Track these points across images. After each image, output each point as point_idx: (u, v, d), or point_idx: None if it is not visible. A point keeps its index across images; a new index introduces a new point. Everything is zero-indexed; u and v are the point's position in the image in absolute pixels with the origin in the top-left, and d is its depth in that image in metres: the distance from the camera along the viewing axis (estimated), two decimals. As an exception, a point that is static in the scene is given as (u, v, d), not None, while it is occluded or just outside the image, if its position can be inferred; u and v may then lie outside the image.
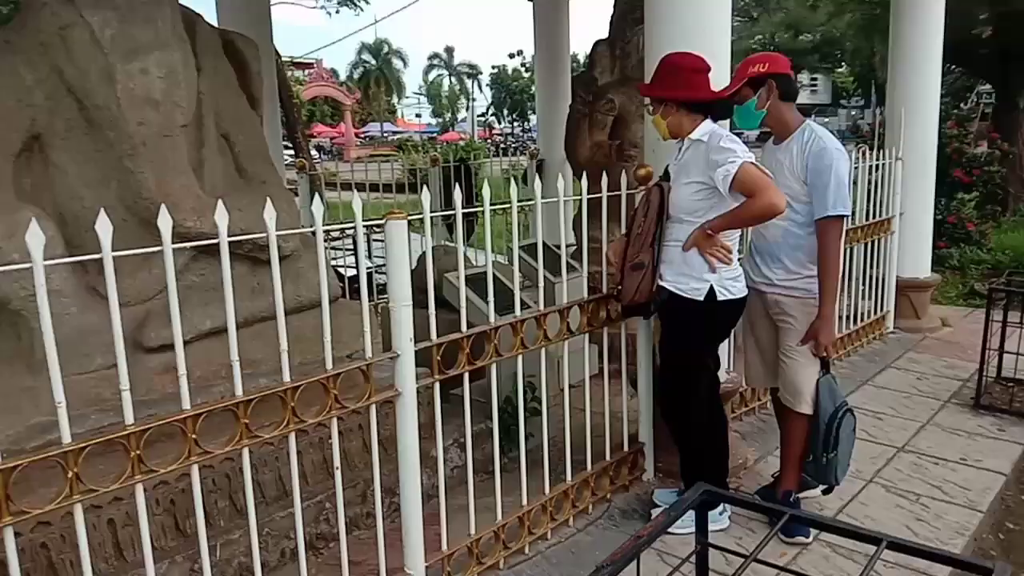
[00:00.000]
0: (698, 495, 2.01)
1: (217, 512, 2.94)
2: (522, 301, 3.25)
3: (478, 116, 63.76)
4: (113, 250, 1.86)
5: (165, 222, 1.94)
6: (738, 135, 3.41)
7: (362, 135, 58.66)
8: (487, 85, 68.26)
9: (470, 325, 2.81)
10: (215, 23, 6.07)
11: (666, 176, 3.15)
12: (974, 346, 4.99)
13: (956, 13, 9.37)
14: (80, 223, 2.98)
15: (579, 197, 3.26)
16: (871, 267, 6.02)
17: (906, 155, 6.07)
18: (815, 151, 3.12)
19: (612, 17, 5.92)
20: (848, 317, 5.73)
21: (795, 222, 3.21)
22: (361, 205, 2.39)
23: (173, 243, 1.99)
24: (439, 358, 2.63)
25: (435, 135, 54.68)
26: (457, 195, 2.78)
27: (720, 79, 3.33)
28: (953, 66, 10.67)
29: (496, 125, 64.26)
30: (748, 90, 3.24)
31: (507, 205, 3.00)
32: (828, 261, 3.13)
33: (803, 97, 58.98)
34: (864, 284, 5.94)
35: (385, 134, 58.88)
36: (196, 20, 3.44)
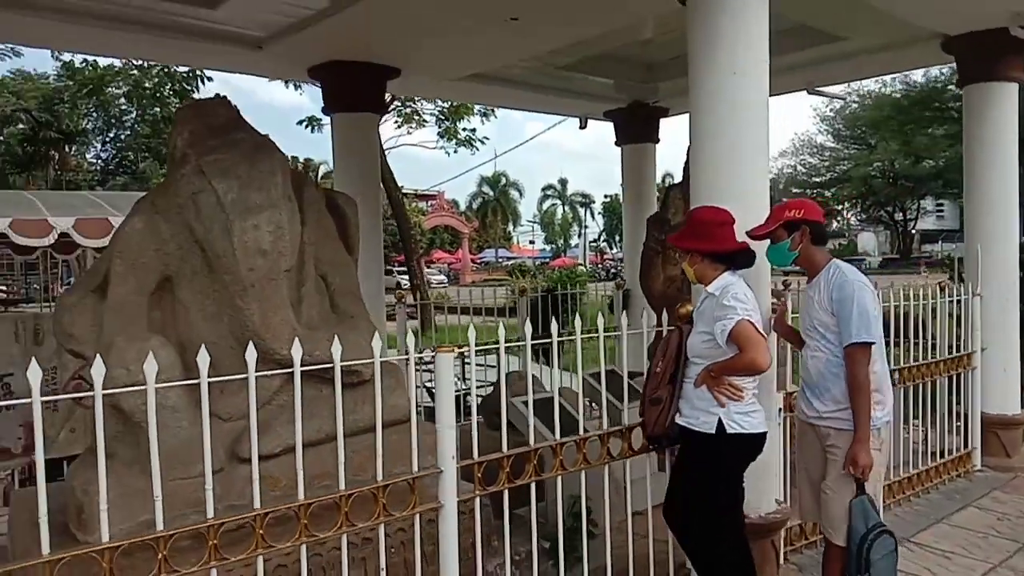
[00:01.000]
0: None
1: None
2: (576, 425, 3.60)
3: (590, 242, 65.25)
4: (222, 374, 2.38)
5: (251, 355, 2.46)
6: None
7: (478, 260, 61.10)
8: (599, 213, 70.00)
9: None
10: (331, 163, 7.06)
11: (691, 319, 3.48)
12: (1068, 488, 4.85)
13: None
14: (196, 349, 3.57)
15: (635, 331, 3.63)
16: (955, 403, 5.99)
17: (985, 291, 6.10)
18: (838, 283, 3.39)
19: (685, 163, 6.39)
20: (928, 453, 5.68)
21: (833, 352, 3.43)
22: (421, 336, 2.85)
23: (271, 368, 2.50)
24: (480, 475, 2.99)
25: (548, 260, 56.26)
26: (503, 333, 3.19)
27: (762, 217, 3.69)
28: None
29: (608, 251, 65.44)
30: (783, 232, 3.54)
31: (591, 335, 3.46)
32: (857, 385, 3.32)
33: (928, 223, 57.38)
34: (951, 420, 5.90)
35: (500, 259, 61.08)
36: (305, 182, 4.12)
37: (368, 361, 2.79)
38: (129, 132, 38.69)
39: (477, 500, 3.02)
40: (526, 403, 4.15)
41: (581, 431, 3.41)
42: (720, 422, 3.24)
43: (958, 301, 5.99)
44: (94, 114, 35.87)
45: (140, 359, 3.19)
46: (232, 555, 2.42)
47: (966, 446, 6.07)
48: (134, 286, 3.48)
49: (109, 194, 19.97)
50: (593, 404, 5.34)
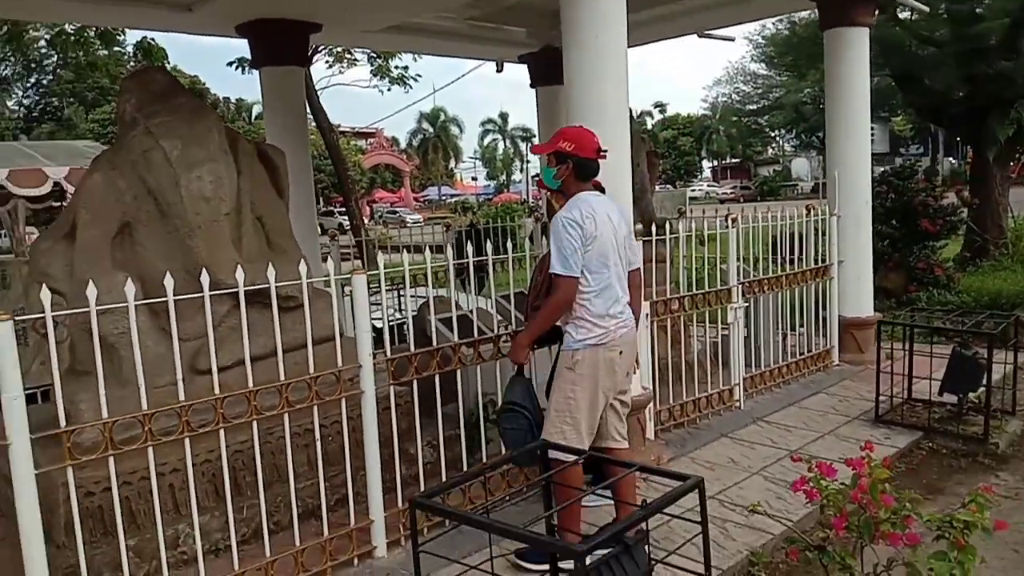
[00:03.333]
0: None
1: (244, 484, 4.11)
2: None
3: (533, 176, 65.81)
4: (176, 302, 3.11)
5: (205, 278, 3.19)
6: None
7: (421, 199, 61.26)
8: (540, 147, 70.33)
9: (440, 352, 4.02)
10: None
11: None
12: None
13: (930, 76, 10.37)
14: (155, 283, 4.26)
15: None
16: (819, 308, 7.02)
17: (842, 211, 7.08)
18: (556, 217, 3.57)
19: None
20: (789, 350, 6.74)
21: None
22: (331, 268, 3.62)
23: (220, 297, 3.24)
24: (392, 369, 3.81)
25: (491, 196, 56.78)
26: (407, 260, 3.97)
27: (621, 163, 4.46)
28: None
29: (550, 185, 66.07)
30: (553, 159, 3.68)
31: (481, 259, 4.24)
32: (547, 304, 3.63)
33: (857, 147, 59.21)
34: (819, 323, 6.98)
35: (443, 197, 61.36)
36: (238, 137, 4.78)
37: (297, 283, 3.54)
38: (51, 77, 37.59)
39: (391, 388, 3.85)
40: (439, 320, 5.00)
41: (475, 335, 4.24)
42: None
43: (824, 220, 6.99)
44: (12, 59, 34.73)
45: (110, 291, 3.91)
46: (200, 442, 3.19)
47: (826, 344, 7.13)
48: (99, 231, 4.15)
49: (41, 144, 19.87)
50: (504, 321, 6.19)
